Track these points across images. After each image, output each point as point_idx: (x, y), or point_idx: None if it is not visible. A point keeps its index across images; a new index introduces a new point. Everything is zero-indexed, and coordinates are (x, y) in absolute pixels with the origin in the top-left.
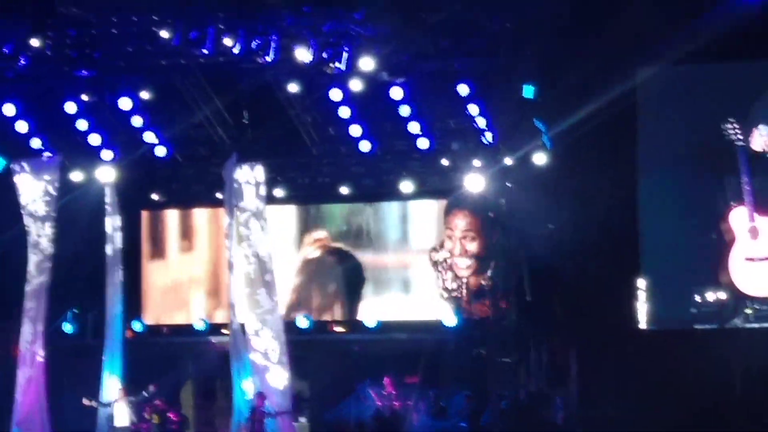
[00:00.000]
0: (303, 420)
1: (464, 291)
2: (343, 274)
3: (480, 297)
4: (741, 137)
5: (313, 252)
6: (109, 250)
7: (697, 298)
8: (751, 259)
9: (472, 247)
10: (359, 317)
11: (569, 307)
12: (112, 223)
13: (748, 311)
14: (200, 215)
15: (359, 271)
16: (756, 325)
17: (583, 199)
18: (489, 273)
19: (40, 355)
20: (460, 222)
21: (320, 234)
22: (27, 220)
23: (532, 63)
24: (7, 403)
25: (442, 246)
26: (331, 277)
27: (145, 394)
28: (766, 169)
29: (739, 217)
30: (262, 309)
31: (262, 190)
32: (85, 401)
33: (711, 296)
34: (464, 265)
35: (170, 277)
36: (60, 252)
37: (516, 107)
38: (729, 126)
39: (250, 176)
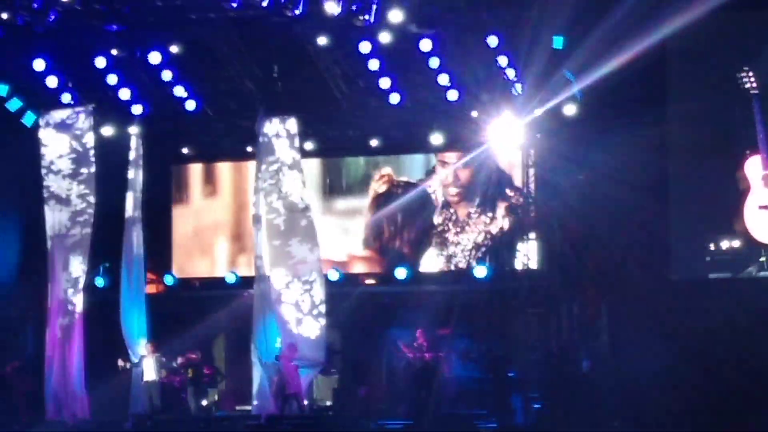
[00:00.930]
0: (333, 371)
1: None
2: (409, 205)
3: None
4: (755, 86)
5: (381, 187)
6: (129, 205)
7: (712, 247)
8: (766, 207)
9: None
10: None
11: (600, 259)
12: (135, 177)
13: (763, 259)
14: (227, 167)
15: (425, 201)
16: None
17: (613, 149)
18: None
19: (77, 309)
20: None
21: (386, 170)
22: (51, 177)
23: (561, 14)
24: (41, 357)
25: None
26: (398, 209)
27: (168, 348)
28: None
29: (753, 166)
30: (294, 259)
31: (296, 142)
32: (120, 363)
33: (726, 244)
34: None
35: (195, 222)
36: (93, 207)
37: (545, 58)
38: (744, 74)
39: (281, 129)
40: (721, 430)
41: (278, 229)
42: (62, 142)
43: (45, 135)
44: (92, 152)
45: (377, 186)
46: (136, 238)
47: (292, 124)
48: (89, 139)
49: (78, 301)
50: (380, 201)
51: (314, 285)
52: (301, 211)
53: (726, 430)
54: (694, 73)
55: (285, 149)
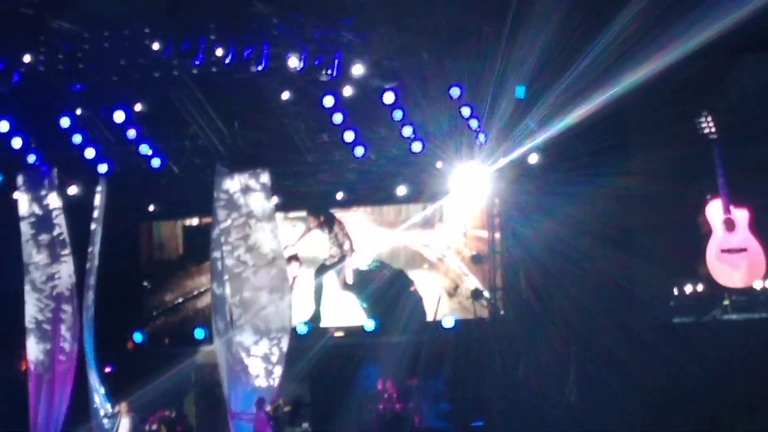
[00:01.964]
0: (305, 425)
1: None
2: None
3: (477, 297)
4: (714, 131)
5: None
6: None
7: (676, 292)
8: (728, 251)
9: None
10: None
11: (565, 307)
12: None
13: (726, 302)
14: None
15: None
16: (734, 317)
17: (577, 199)
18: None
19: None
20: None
21: None
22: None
23: (523, 65)
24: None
25: None
26: None
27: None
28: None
29: (714, 210)
30: (266, 309)
31: (269, 194)
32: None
33: (689, 289)
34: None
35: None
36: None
37: (508, 108)
38: (702, 120)
39: (252, 182)
40: None
41: (247, 281)
42: (27, 204)
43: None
44: (58, 213)
45: None
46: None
47: (265, 176)
48: (54, 201)
49: (47, 361)
50: None
51: (282, 338)
52: (270, 261)
53: None
54: (654, 122)
55: (257, 202)
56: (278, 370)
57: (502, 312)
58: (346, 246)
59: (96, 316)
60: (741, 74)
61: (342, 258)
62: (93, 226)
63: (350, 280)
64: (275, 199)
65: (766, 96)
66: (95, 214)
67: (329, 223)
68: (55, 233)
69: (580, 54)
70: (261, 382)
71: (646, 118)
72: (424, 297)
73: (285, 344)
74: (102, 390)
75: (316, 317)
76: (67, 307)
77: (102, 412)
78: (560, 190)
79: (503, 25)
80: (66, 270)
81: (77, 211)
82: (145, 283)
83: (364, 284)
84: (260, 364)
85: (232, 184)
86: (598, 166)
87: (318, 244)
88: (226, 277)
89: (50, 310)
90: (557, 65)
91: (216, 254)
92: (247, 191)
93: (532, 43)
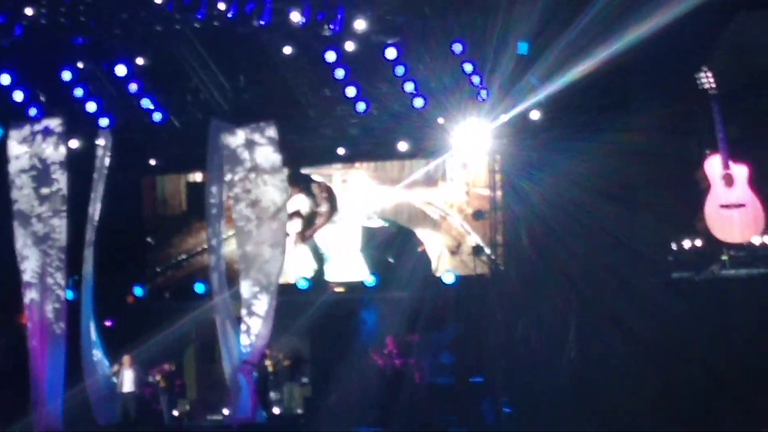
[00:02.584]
0: (305, 380)
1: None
2: None
3: (478, 253)
4: (714, 86)
5: None
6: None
7: (674, 246)
8: (726, 206)
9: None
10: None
11: (565, 263)
12: (97, 189)
13: (724, 257)
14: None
15: None
16: (732, 272)
17: (577, 155)
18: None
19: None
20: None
21: None
22: (16, 193)
23: (526, 21)
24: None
25: None
26: None
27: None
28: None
29: (713, 165)
30: (267, 262)
31: (275, 148)
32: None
33: (687, 243)
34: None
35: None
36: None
37: (511, 64)
38: (702, 75)
39: (258, 136)
40: (687, 430)
41: (250, 235)
42: (28, 157)
43: (12, 149)
44: (58, 167)
45: None
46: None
47: (272, 130)
48: (56, 154)
49: (51, 315)
50: None
51: (280, 292)
52: (272, 215)
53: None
54: (655, 78)
55: (262, 156)
56: (272, 324)
57: (502, 268)
58: (324, 209)
59: (96, 270)
60: (738, 31)
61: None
62: (95, 179)
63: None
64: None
65: (761, 53)
66: (97, 167)
67: (308, 188)
68: (54, 188)
69: (582, 10)
70: (260, 335)
71: (646, 74)
72: (428, 254)
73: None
74: (100, 344)
75: (318, 274)
76: (60, 265)
77: (103, 366)
78: (561, 146)
79: None
80: (65, 224)
81: (78, 164)
82: (148, 239)
83: (371, 241)
84: (258, 318)
85: (234, 138)
86: (599, 123)
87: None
88: (224, 231)
89: (51, 264)
90: (559, 21)
91: (213, 210)
92: (251, 145)
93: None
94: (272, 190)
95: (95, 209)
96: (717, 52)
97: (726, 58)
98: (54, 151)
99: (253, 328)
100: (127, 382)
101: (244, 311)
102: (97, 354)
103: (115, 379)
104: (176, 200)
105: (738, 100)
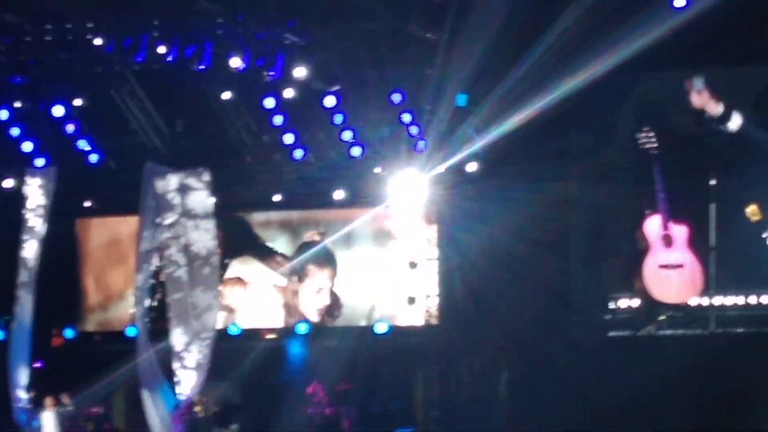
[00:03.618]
0: (234, 427)
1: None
2: None
3: (412, 303)
4: (656, 146)
5: None
6: (30, 255)
7: (612, 305)
8: (665, 266)
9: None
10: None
11: (501, 315)
12: (38, 228)
13: (662, 317)
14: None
15: None
16: (669, 332)
17: (514, 206)
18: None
19: None
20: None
21: None
22: None
23: (464, 72)
24: None
25: None
26: None
27: (67, 402)
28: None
29: (653, 226)
30: (198, 309)
31: (209, 193)
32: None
33: (625, 302)
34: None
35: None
36: None
37: (448, 115)
38: (643, 135)
39: (192, 181)
40: None
41: (180, 281)
42: None
43: None
44: None
45: None
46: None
47: (206, 175)
48: None
49: None
50: None
51: (212, 339)
52: (203, 258)
53: None
54: (594, 132)
55: (195, 200)
56: (207, 371)
57: (436, 319)
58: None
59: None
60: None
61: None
62: (29, 220)
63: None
64: (213, 199)
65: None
66: (30, 208)
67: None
68: None
69: (520, 60)
70: (191, 385)
71: (586, 125)
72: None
73: (213, 344)
74: (27, 387)
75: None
76: None
77: (26, 408)
78: (498, 196)
79: (444, 31)
80: None
81: (8, 204)
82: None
83: None
84: (191, 370)
85: (166, 183)
86: (536, 172)
87: None
88: (152, 278)
89: None
90: (497, 72)
91: (144, 254)
92: (184, 190)
93: (473, 49)
94: (204, 234)
95: (30, 250)
96: (655, 111)
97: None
98: None
99: (185, 380)
100: (49, 425)
101: (176, 364)
102: (23, 396)
103: (38, 423)
104: (112, 243)
105: (677, 161)
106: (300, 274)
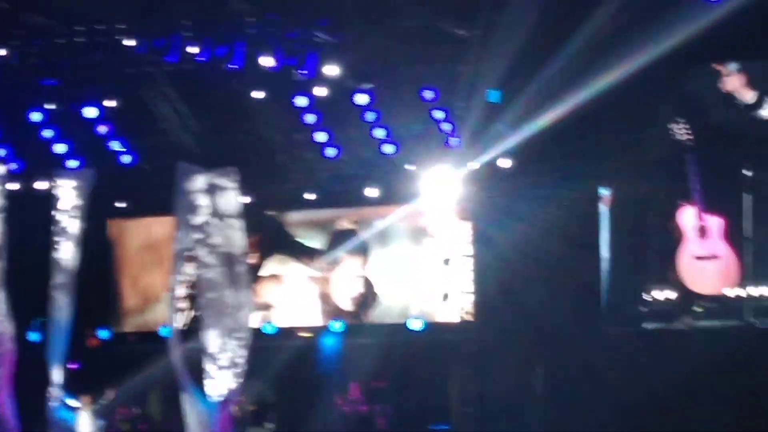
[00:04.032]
0: (269, 426)
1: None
2: None
3: (446, 300)
4: (691, 137)
5: None
6: (66, 256)
7: (647, 297)
8: (700, 258)
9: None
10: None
11: (535, 311)
12: (72, 229)
13: (698, 309)
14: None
15: None
16: (705, 323)
17: (548, 203)
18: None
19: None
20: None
21: None
22: None
23: (497, 68)
24: None
25: None
26: None
27: (103, 402)
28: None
29: (687, 216)
30: (231, 308)
31: (237, 193)
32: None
33: (660, 294)
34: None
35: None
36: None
37: (481, 112)
38: (677, 126)
39: (221, 180)
40: None
41: (212, 282)
42: None
43: None
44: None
45: None
46: (67, 292)
47: (234, 174)
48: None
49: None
50: None
51: (247, 337)
52: (234, 258)
53: None
54: (627, 126)
55: (223, 201)
56: (242, 370)
57: (471, 316)
58: None
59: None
60: (708, 82)
61: None
62: (62, 222)
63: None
64: (246, 199)
65: (732, 104)
66: (64, 210)
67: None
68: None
69: (553, 57)
70: (226, 385)
71: (618, 122)
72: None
73: (248, 343)
74: (63, 387)
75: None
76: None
77: (63, 408)
78: (531, 193)
79: (477, 28)
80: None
81: (42, 206)
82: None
83: None
84: (226, 368)
85: (195, 183)
86: (569, 170)
87: None
88: (183, 279)
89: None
90: (530, 68)
91: (179, 255)
92: (212, 190)
93: (505, 46)
94: (234, 234)
95: (64, 251)
96: (691, 103)
97: (699, 109)
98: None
99: (224, 380)
100: (84, 424)
101: (211, 365)
102: (57, 396)
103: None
104: (146, 244)
105: (712, 152)
106: (332, 262)
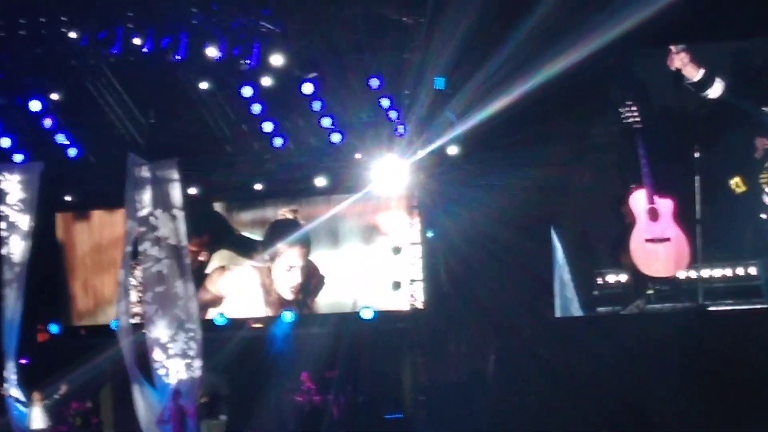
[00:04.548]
0: (222, 417)
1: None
2: None
3: (396, 289)
4: (639, 119)
5: None
6: (17, 251)
7: (599, 281)
8: (651, 240)
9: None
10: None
11: (485, 298)
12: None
13: (650, 292)
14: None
15: None
16: (657, 306)
17: (496, 190)
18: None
19: None
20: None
21: None
22: None
23: (443, 55)
24: None
25: None
26: None
27: (56, 396)
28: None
29: (638, 200)
30: (182, 300)
31: (178, 184)
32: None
33: (612, 278)
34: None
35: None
36: None
37: (428, 100)
38: (627, 109)
39: (164, 173)
40: None
41: (160, 275)
42: None
43: None
44: None
45: None
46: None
47: (174, 166)
48: None
49: None
50: None
51: (197, 329)
52: (181, 251)
53: None
54: (575, 111)
55: (166, 193)
56: (197, 363)
57: (421, 304)
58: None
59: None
60: (656, 64)
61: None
62: (10, 216)
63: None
64: (193, 190)
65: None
66: (11, 204)
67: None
68: None
69: (500, 44)
70: (181, 377)
71: (566, 107)
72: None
73: (200, 335)
74: (16, 382)
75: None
76: None
77: (16, 404)
78: (480, 181)
79: (423, 15)
80: None
81: None
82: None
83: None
84: (179, 360)
85: (141, 174)
86: (517, 157)
87: None
88: (131, 272)
89: None
90: (476, 56)
91: (126, 248)
92: (156, 182)
93: (451, 34)
94: (178, 226)
95: (14, 246)
96: (637, 87)
97: (646, 94)
98: None
99: (174, 370)
100: (37, 419)
101: (161, 355)
102: (13, 392)
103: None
104: (94, 239)
105: (660, 135)
106: (271, 253)
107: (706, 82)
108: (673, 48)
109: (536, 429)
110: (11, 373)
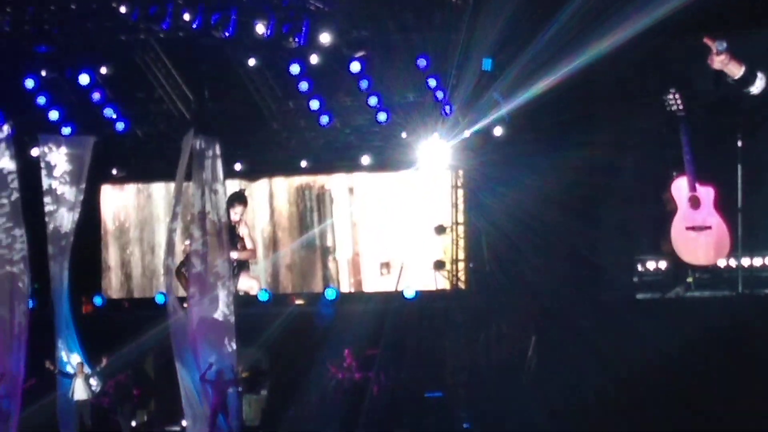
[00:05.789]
0: (263, 392)
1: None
2: None
3: (439, 268)
4: (682, 107)
5: None
6: (65, 222)
7: (639, 267)
8: (692, 228)
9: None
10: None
11: (528, 279)
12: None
13: (689, 279)
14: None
15: None
16: (697, 294)
17: (541, 171)
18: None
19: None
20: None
21: None
22: None
23: (490, 36)
24: None
25: None
26: None
27: (98, 368)
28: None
29: (680, 187)
30: (223, 277)
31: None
32: (48, 365)
33: (652, 264)
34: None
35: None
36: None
37: (474, 80)
38: (670, 97)
39: (208, 150)
40: None
41: (199, 253)
42: None
43: None
44: (11, 178)
45: None
46: (63, 259)
47: (217, 143)
48: (7, 164)
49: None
50: None
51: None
52: (219, 229)
53: None
54: (620, 95)
55: (210, 169)
56: (234, 339)
57: (463, 284)
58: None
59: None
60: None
61: None
62: (57, 189)
63: None
64: (238, 166)
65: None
66: (58, 176)
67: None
68: (13, 197)
69: (546, 25)
70: (223, 351)
71: (612, 90)
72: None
73: (235, 311)
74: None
75: None
76: (25, 272)
77: (63, 379)
78: (524, 161)
79: None
80: (23, 234)
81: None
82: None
83: None
84: (222, 333)
85: (192, 149)
86: (562, 138)
87: None
88: (174, 247)
89: (10, 275)
90: (523, 37)
91: (173, 224)
92: (204, 157)
93: (497, 14)
94: (220, 202)
95: (59, 218)
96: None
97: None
98: (9, 160)
99: (214, 347)
100: (79, 390)
101: (202, 330)
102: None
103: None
104: (139, 210)
105: (704, 123)
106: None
107: (747, 79)
108: (712, 47)
109: (577, 411)
110: (63, 348)
